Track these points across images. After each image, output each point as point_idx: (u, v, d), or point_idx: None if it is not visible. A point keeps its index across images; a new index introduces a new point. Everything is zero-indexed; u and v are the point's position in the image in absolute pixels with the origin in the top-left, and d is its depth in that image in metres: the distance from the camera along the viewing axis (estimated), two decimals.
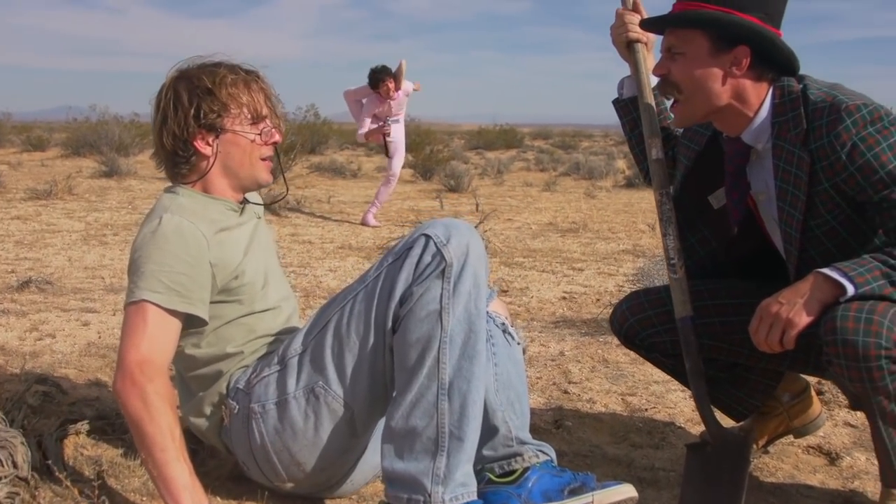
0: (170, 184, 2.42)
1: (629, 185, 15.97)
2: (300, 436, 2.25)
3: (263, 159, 2.41)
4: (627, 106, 2.79)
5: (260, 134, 2.38)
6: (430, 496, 2.09)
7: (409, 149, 13.32)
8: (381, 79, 9.63)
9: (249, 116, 2.36)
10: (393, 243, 7.36)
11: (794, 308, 2.17)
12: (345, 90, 10.00)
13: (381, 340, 2.19)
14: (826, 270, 2.17)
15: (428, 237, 2.16)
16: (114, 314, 4.80)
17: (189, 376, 2.38)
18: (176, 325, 2.21)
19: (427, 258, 2.15)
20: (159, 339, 2.17)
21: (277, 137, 2.42)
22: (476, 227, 7.41)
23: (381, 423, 2.35)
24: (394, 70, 9.70)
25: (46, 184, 11.64)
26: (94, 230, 8.53)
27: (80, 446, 2.61)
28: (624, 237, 8.92)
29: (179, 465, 2.08)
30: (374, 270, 2.25)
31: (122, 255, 7.01)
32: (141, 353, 2.13)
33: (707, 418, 2.52)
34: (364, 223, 9.75)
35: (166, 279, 2.17)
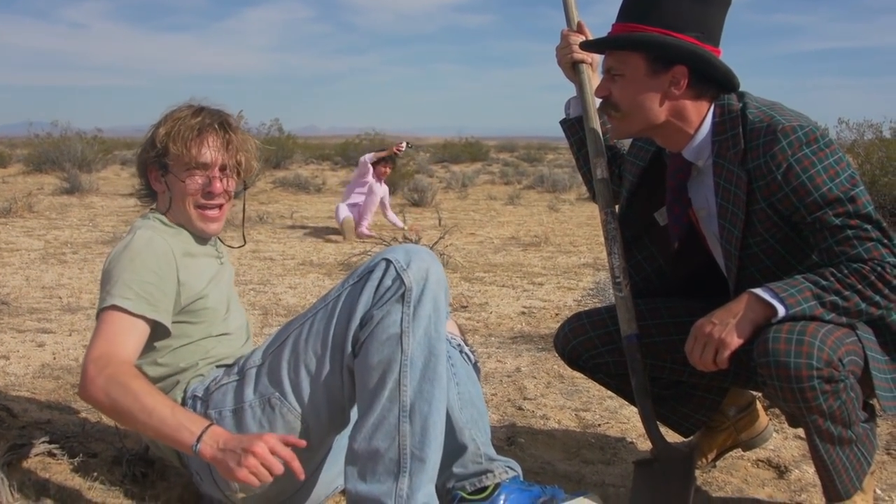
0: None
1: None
2: None
3: (199, 207, 2.45)
4: (574, 126, 2.83)
5: (185, 181, 2.43)
6: None
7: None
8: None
9: (185, 162, 2.42)
10: (354, 260, 7.38)
11: (726, 328, 2.21)
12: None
13: (339, 360, 2.22)
14: (758, 291, 2.21)
15: (388, 261, 2.21)
16: (70, 335, 4.77)
17: None
18: (142, 328, 2.26)
19: (387, 282, 2.19)
20: (119, 337, 2.21)
21: (214, 188, 2.45)
22: (437, 242, 7.42)
23: (340, 442, 2.40)
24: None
25: (6, 201, 11.54)
26: (53, 248, 8.46)
27: (29, 471, 2.59)
28: (585, 251, 8.97)
29: (163, 410, 2.08)
30: (334, 291, 2.29)
31: (81, 273, 6.96)
32: (96, 351, 2.17)
33: (653, 435, 2.56)
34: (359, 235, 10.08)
35: (136, 287, 2.25)
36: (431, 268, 2.22)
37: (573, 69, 2.72)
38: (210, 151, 2.43)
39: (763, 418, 2.98)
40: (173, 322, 2.35)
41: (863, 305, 2.19)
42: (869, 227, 2.20)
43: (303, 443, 2.09)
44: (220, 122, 2.47)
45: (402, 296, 2.17)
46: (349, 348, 2.21)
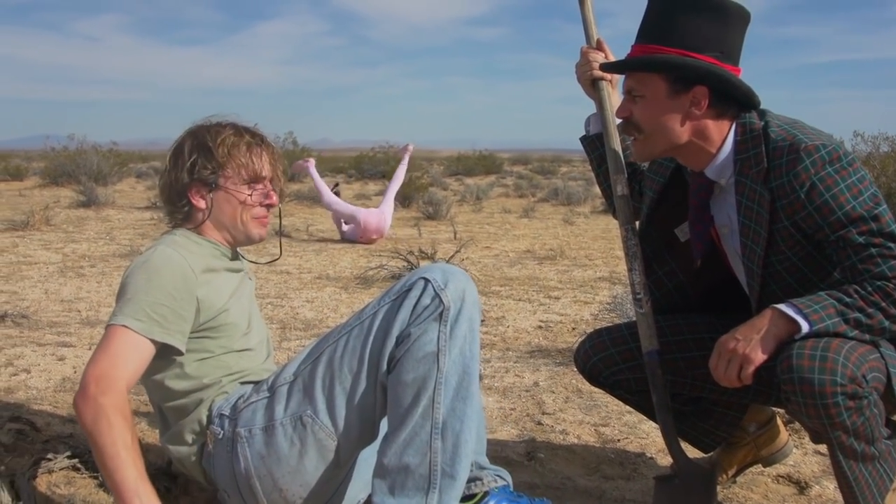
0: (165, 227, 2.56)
1: (607, 210, 16.04)
2: (284, 462, 2.29)
3: (256, 218, 2.51)
4: (594, 142, 2.84)
5: (251, 194, 2.49)
6: None
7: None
8: None
9: (244, 177, 2.47)
10: (370, 273, 7.39)
11: (750, 344, 2.22)
12: None
13: (374, 377, 2.25)
14: (782, 307, 2.22)
15: (427, 280, 2.24)
16: (89, 348, 4.80)
17: (167, 407, 2.42)
18: (148, 349, 2.25)
19: (426, 300, 2.22)
20: (123, 358, 2.20)
21: (273, 199, 2.53)
22: (453, 256, 7.43)
23: (363, 454, 2.42)
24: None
25: (24, 214, 11.62)
26: (71, 262, 8.51)
27: (53, 485, 2.62)
28: (601, 264, 8.97)
29: (128, 471, 2.10)
30: (370, 309, 2.31)
31: (99, 287, 7.01)
32: (99, 368, 2.17)
33: (674, 451, 2.56)
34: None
35: (149, 308, 2.24)
36: (468, 288, 2.27)
37: (593, 86, 2.74)
38: (266, 165, 2.51)
39: (783, 434, 2.98)
40: (194, 337, 2.36)
41: (886, 323, 2.19)
42: (892, 245, 2.20)
43: None
44: (263, 138, 2.55)
45: (441, 315, 2.20)
46: (384, 365, 2.23)
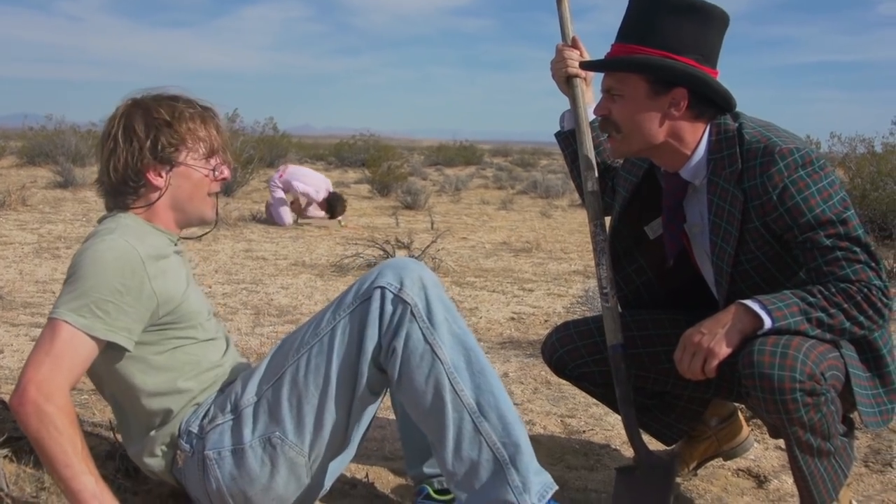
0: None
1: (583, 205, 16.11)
2: (256, 482, 2.28)
3: (210, 195, 2.42)
4: (568, 138, 2.89)
5: (213, 170, 2.39)
6: None
7: (366, 164, 13.61)
8: None
9: (203, 151, 2.37)
10: (346, 261, 7.41)
11: (714, 338, 2.28)
12: None
13: (348, 394, 2.24)
14: (748, 302, 2.28)
15: (382, 289, 2.23)
16: None
17: (136, 411, 2.35)
18: (90, 348, 2.15)
19: (388, 308, 2.21)
20: (65, 359, 2.10)
21: (227, 174, 2.44)
22: (429, 246, 7.47)
23: (335, 462, 2.42)
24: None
25: (0, 194, 11.56)
26: (46, 243, 8.49)
27: (23, 464, 2.64)
28: (576, 258, 9.04)
29: (85, 477, 2.06)
30: (326, 322, 2.27)
31: None
32: (41, 373, 2.07)
33: (635, 443, 2.62)
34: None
35: (93, 304, 2.13)
36: (423, 274, 2.26)
37: (567, 83, 2.78)
38: (219, 137, 2.41)
39: (745, 429, 3.04)
40: (156, 330, 2.28)
41: (847, 324, 2.26)
42: (858, 249, 2.27)
43: None
44: (214, 109, 2.44)
45: (412, 313, 2.20)
46: (363, 382, 2.22)
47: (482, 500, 2.20)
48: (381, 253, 7.54)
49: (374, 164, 18.08)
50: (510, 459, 2.19)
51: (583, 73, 2.76)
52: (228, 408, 2.31)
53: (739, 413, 3.07)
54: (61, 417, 2.06)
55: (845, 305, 2.25)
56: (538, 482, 2.21)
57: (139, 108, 2.34)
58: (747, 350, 2.25)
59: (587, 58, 2.75)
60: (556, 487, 2.26)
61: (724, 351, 2.27)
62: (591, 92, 2.82)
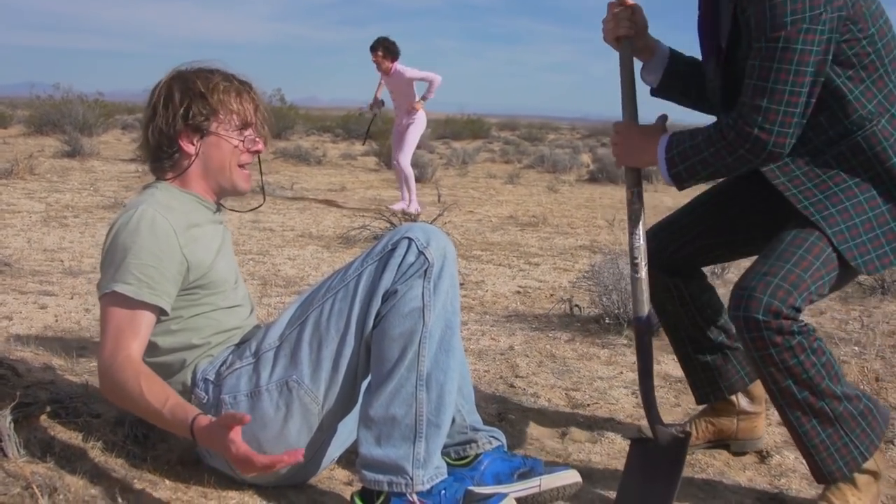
0: (151, 179, 2.55)
1: (592, 179, 16.15)
2: (269, 427, 2.34)
3: (242, 166, 2.53)
4: (665, 91, 2.85)
5: (243, 140, 2.51)
6: (412, 479, 2.25)
7: (373, 136, 13.47)
8: (373, 48, 10.11)
9: (236, 123, 2.49)
10: (353, 233, 7.44)
11: (624, 148, 2.61)
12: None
13: (360, 338, 2.32)
14: (663, 139, 2.48)
15: (410, 239, 2.31)
16: (71, 297, 4.86)
17: (150, 362, 2.41)
18: (146, 316, 2.30)
19: (410, 258, 2.29)
20: (125, 334, 2.25)
21: (260, 146, 2.55)
22: (436, 218, 7.49)
23: (344, 420, 2.47)
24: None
25: (7, 163, 11.58)
26: (54, 211, 8.52)
27: (33, 429, 2.67)
28: (582, 233, 9.05)
29: (165, 412, 2.15)
30: (354, 269, 2.36)
31: (83, 237, 7.04)
32: (106, 351, 2.24)
33: (652, 416, 2.64)
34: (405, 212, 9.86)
35: (136, 271, 2.27)
36: (448, 246, 2.36)
37: (618, 43, 2.76)
38: (254, 111, 2.53)
39: (761, 428, 3.07)
40: (183, 294, 2.40)
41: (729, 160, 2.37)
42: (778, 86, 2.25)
43: (295, 459, 1.97)
44: (251, 85, 2.56)
45: (426, 272, 2.28)
46: (370, 324, 2.30)
47: (380, 453, 2.28)
48: (388, 225, 7.57)
49: (382, 136, 18.02)
50: (426, 434, 2.28)
51: (632, 32, 2.72)
52: (248, 353, 2.41)
53: (764, 410, 3.09)
54: (127, 374, 2.20)
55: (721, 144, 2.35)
56: (435, 466, 2.30)
57: (179, 79, 2.49)
58: (735, 289, 2.36)
59: (638, 14, 2.72)
60: (447, 481, 2.32)
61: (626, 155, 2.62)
62: (651, 39, 2.78)
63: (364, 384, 2.40)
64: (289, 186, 12.27)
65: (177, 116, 2.43)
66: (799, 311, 2.28)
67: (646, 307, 2.64)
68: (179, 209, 2.43)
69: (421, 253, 2.29)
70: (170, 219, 2.36)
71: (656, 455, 2.61)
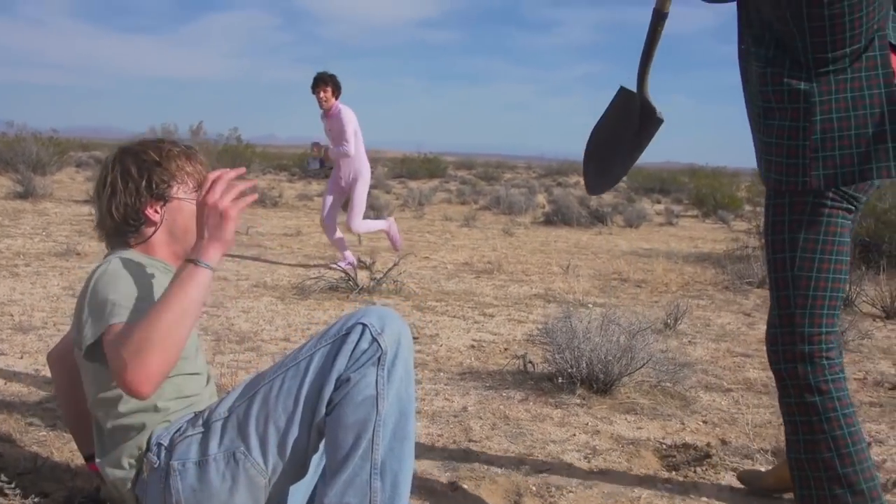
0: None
1: (547, 221, 16.30)
2: (215, 497, 2.34)
3: None
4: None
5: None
6: None
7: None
8: (322, 83, 9.38)
9: (191, 185, 2.58)
10: (308, 283, 7.41)
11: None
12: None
13: (309, 419, 2.32)
14: None
15: (364, 325, 2.33)
16: (21, 357, 4.78)
17: (111, 425, 2.43)
18: None
19: (364, 345, 2.31)
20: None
21: None
22: (392, 268, 7.48)
23: (291, 489, 2.50)
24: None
25: None
26: (5, 259, 8.42)
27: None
28: (537, 280, 9.12)
29: (173, 294, 2.19)
30: (306, 350, 2.38)
31: (34, 289, 6.93)
32: (128, 369, 2.11)
33: (642, 84, 2.95)
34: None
35: (125, 303, 2.29)
36: (402, 332, 2.37)
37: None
38: (204, 171, 2.63)
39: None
40: None
41: None
42: None
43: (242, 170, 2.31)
44: (195, 148, 2.68)
45: (379, 359, 2.30)
46: (322, 409, 2.31)
47: None
48: (343, 275, 7.57)
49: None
50: None
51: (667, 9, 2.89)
52: (200, 422, 2.40)
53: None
54: (151, 339, 2.13)
55: None
56: None
57: (129, 153, 2.58)
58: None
59: None
60: None
61: None
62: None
63: (315, 457, 2.41)
64: (244, 231, 12.23)
65: (140, 189, 2.50)
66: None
67: (668, 5, 2.84)
68: (147, 271, 2.46)
69: (375, 340, 2.31)
70: (144, 265, 2.45)
71: (634, 113, 2.92)
